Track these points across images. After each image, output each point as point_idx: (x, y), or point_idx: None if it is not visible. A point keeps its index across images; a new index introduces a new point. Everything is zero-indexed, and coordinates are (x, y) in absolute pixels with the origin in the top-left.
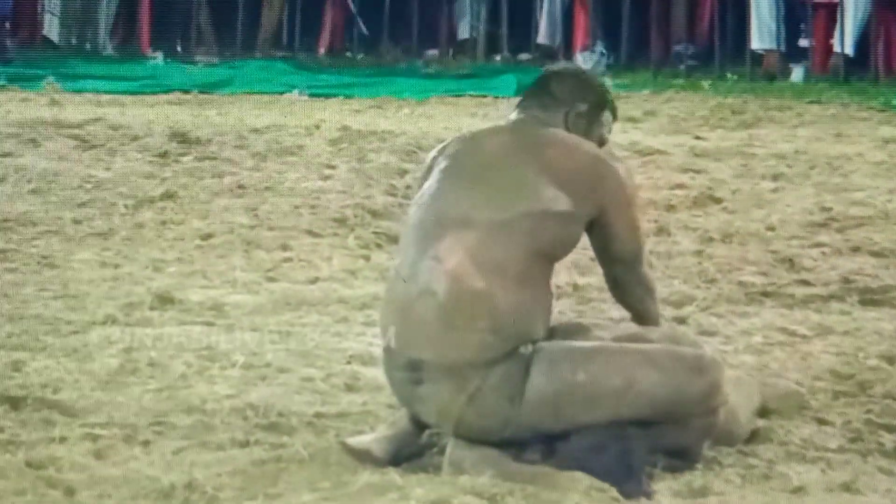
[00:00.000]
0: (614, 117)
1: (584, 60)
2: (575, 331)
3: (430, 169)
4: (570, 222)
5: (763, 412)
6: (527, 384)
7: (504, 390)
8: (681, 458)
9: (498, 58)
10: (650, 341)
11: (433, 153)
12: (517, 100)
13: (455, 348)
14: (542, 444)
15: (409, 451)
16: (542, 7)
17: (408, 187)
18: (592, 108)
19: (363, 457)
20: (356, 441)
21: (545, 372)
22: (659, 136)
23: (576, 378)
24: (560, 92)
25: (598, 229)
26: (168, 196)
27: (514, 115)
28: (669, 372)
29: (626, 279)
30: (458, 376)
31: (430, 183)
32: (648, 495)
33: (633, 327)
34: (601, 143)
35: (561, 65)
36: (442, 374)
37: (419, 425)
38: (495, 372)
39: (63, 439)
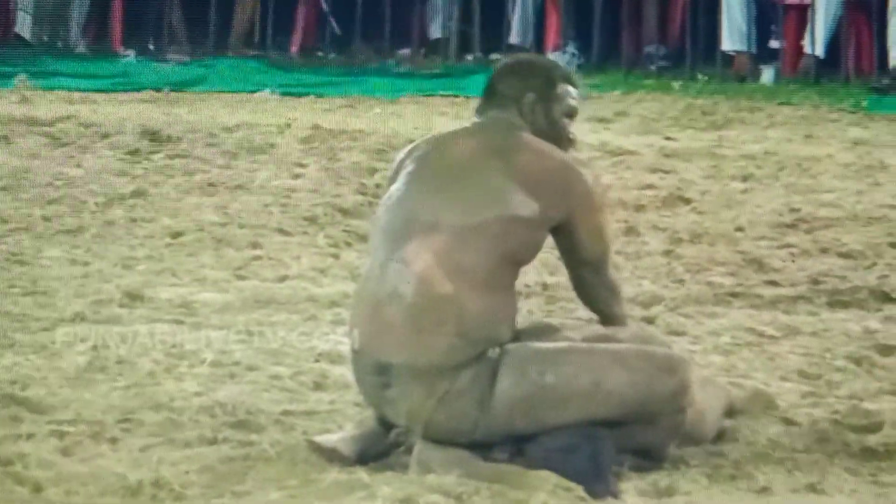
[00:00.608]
0: (573, 85)
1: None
2: (543, 331)
3: (397, 171)
4: (537, 227)
5: (730, 413)
6: (496, 387)
7: (473, 393)
8: (648, 458)
9: (470, 57)
10: (619, 341)
11: (401, 155)
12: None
13: (423, 352)
14: (511, 445)
15: (377, 451)
16: (514, 7)
17: (378, 186)
18: (541, 91)
19: (331, 455)
20: (324, 439)
21: (514, 374)
22: (629, 137)
23: (544, 380)
24: (507, 89)
25: (564, 233)
26: (138, 194)
27: (476, 119)
28: (638, 372)
29: (591, 282)
30: (427, 380)
31: (399, 185)
32: (615, 495)
33: (601, 328)
34: (571, 114)
35: (503, 61)
36: (410, 378)
37: (387, 425)
38: (464, 375)
39: (30, 436)
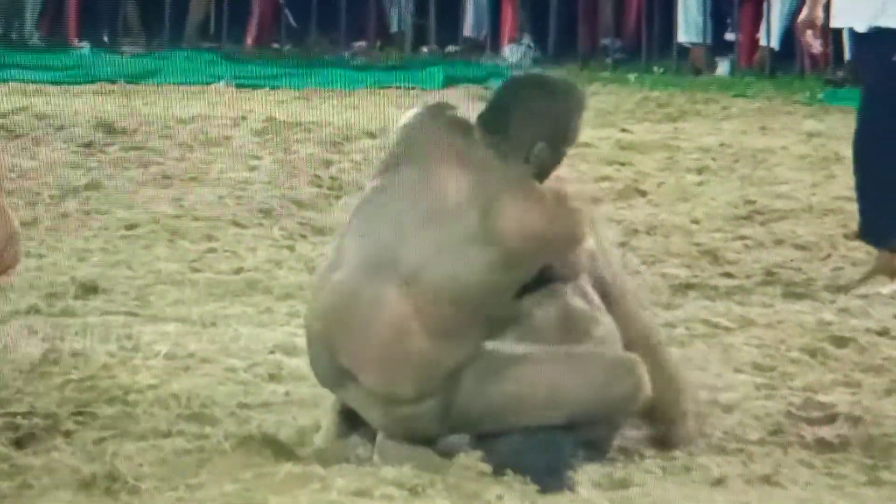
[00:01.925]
0: (583, 109)
1: (511, 53)
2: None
3: (390, 168)
4: (506, 289)
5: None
6: (457, 397)
7: (435, 412)
8: (593, 449)
9: (425, 50)
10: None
11: (397, 146)
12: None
13: (388, 384)
14: (471, 443)
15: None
16: None
17: (333, 179)
18: (554, 138)
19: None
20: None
21: (474, 385)
22: (585, 129)
23: (503, 388)
24: (519, 130)
25: None
26: (93, 186)
27: (477, 137)
28: (592, 376)
29: None
30: (389, 404)
31: (387, 200)
32: (571, 488)
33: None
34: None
35: (519, 80)
36: (372, 398)
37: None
38: (426, 403)
39: None
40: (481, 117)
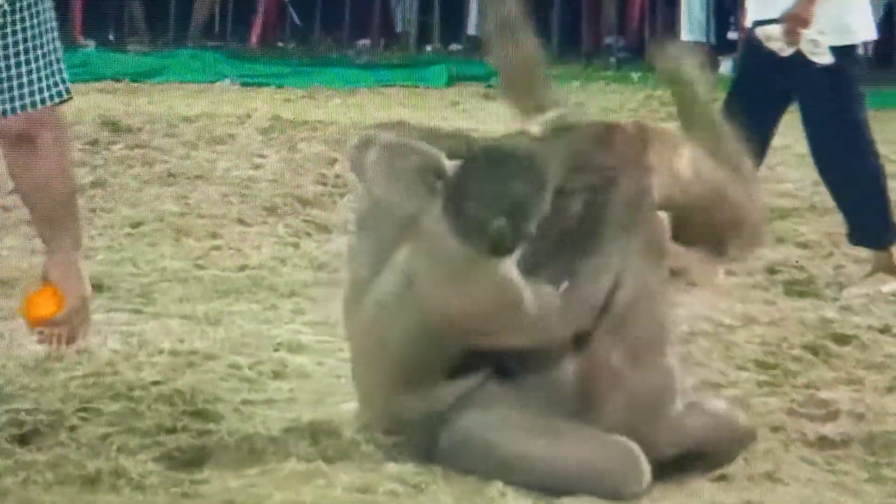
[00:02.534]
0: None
1: None
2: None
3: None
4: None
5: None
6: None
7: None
8: None
9: (430, 48)
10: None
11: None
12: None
13: (383, 415)
14: None
15: None
16: None
17: (337, 176)
18: (515, 219)
19: None
20: None
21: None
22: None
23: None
24: (478, 204)
25: None
26: (98, 184)
27: (437, 207)
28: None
29: None
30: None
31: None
32: None
33: None
34: None
35: (487, 154)
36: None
37: None
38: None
39: None
40: (446, 188)
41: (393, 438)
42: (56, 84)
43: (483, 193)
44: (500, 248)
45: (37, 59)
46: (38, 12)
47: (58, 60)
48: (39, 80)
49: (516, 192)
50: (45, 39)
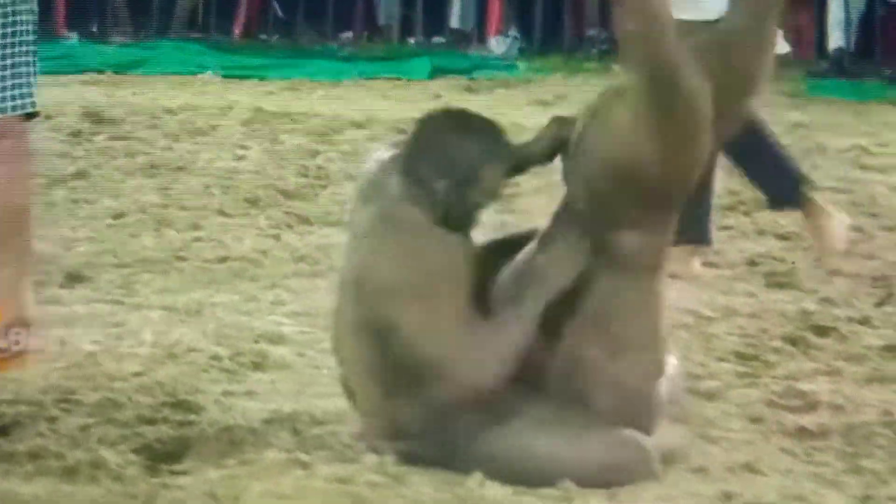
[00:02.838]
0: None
1: (497, 44)
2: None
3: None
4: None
5: None
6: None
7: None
8: None
9: (412, 41)
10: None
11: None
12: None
13: (387, 420)
14: None
15: None
16: None
17: (319, 168)
18: (460, 185)
19: None
20: None
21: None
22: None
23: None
24: (425, 166)
25: None
26: (80, 175)
27: (394, 175)
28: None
29: None
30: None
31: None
32: None
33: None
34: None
35: (437, 117)
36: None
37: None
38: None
39: None
40: (402, 154)
41: (394, 444)
42: (22, 97)
43: (434, 156)
44: (450, 214)
45: (3, 69)
46: (12, 23)
47: (28, 74)
48: (3, 89)
49: (469, 159)
50: (16, 50)
